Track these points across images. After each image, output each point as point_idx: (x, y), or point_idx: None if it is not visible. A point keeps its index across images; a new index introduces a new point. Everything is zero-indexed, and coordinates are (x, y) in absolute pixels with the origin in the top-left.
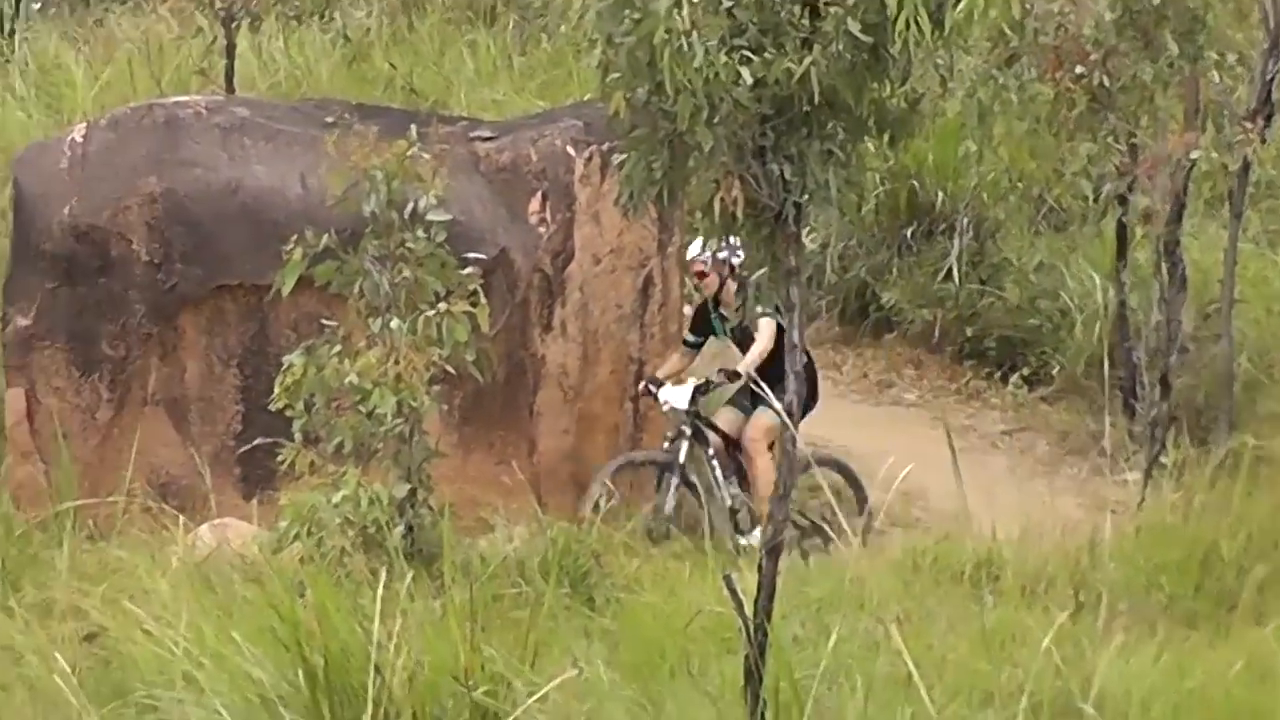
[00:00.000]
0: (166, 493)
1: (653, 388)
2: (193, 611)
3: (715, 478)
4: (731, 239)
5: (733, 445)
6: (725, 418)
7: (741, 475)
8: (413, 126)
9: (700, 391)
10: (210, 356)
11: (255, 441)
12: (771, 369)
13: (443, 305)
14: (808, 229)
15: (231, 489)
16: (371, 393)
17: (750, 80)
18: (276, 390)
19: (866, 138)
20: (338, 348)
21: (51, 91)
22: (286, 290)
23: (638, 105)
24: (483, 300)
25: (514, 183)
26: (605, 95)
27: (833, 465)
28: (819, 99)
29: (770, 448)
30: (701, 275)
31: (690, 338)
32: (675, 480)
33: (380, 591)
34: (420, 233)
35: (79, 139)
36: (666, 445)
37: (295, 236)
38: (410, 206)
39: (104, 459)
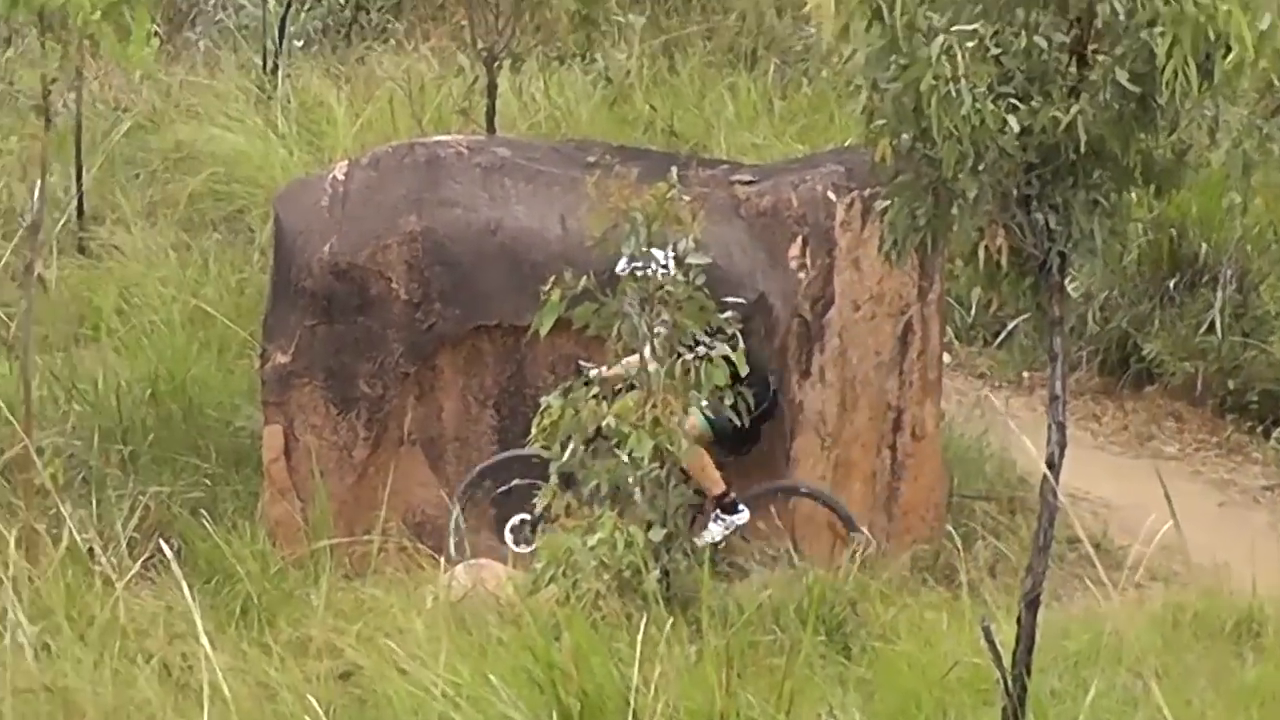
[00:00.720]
0: (422, 532)
1: None
2: (448, 652)
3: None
4: (655, 252)
5: None
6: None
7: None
8: (673, 169)
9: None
10: (467, 397)
11: (512, 483)
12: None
13: (701, 349)
14: (1070, 278)
15: (487, 530)
16: (629, 436)
17: (1017, 128)
18: (533, 431)
19: (1132, 188)
20: (595, 390)
21: (313, 129)
22: (544, 331)
23: (902, 151)
24: (741, 344)
25: (774, 227)
26: (869, 141)
27: (812, 494)
28: (1085, 148)
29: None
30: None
31: None
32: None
33: (638, 635)
34: (679, 276)
35: (340, 177)
36: None
37: (554, 277)
38: (669, 249)
39: (360, 497)
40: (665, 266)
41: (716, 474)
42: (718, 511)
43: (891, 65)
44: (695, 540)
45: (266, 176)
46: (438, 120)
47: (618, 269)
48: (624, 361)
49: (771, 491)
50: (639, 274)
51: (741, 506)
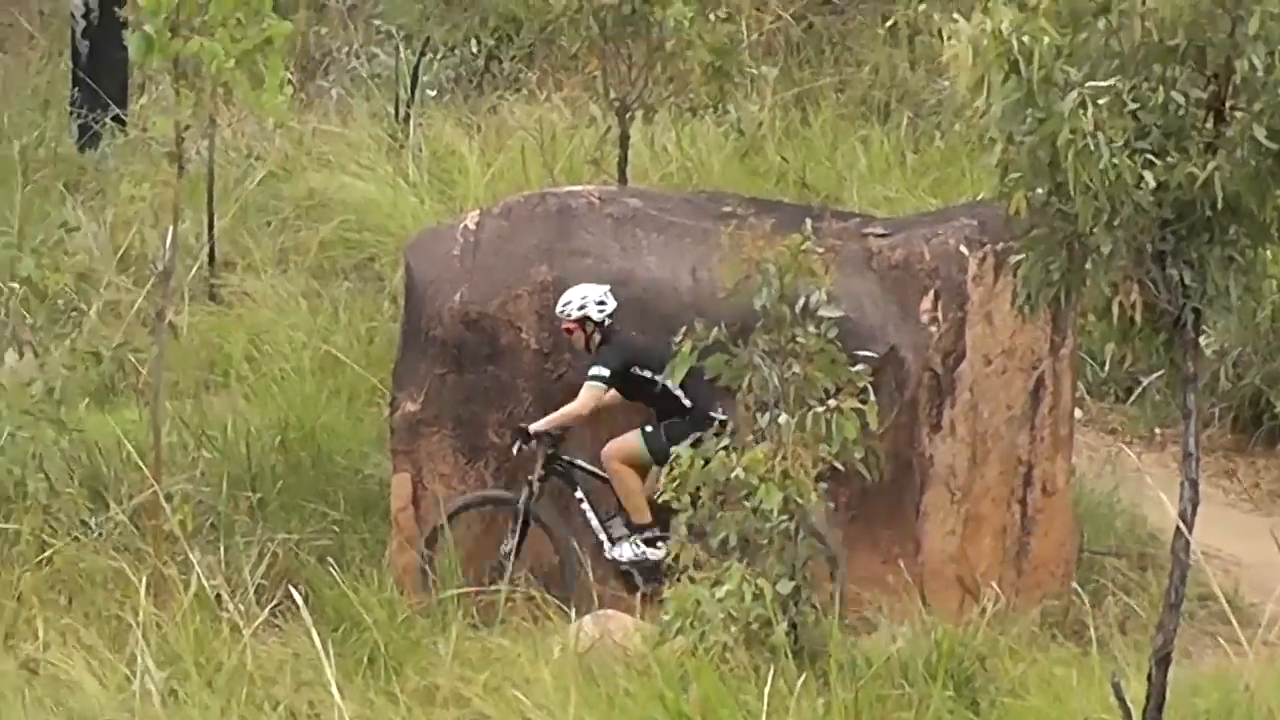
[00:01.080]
0: (549, 582)
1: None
2: (576, 703)
3: (586, 518)
4: (589, 292)
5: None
6: (619, 447)
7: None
8: (807, 221)
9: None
10: (596, 447)
11: (641, 534)
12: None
13: (832, 402)
14: (1204, 335)
15: (615, 581)
16: (758, 488)
17: (1153, 183)
18: (663, 482)
19: (1268, 244)
20: (725, 442)
21: (444, 178)
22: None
23: (1037, 205)
24: (872, 398)
25: (906, 280)
26: (1004, 194)
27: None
28: (1222, 204)
29: (639, 474)
30: (569, 331)
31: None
32: (514, 521)
33: (766, 688)
34: (811, 328)
35: (471, 226)
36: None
37: (685, 328)
38: (802, 301)
39: (487, 547)
40: (602, 303)
41: (644, 504)
42: (636, 538)
43: (1027, 119)
44: (606, 553)
45: (397, 225)
46: (569, 170)
47: (558, 310)
48: (562, 411)
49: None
50: (575, 312)
51: (661, 545)
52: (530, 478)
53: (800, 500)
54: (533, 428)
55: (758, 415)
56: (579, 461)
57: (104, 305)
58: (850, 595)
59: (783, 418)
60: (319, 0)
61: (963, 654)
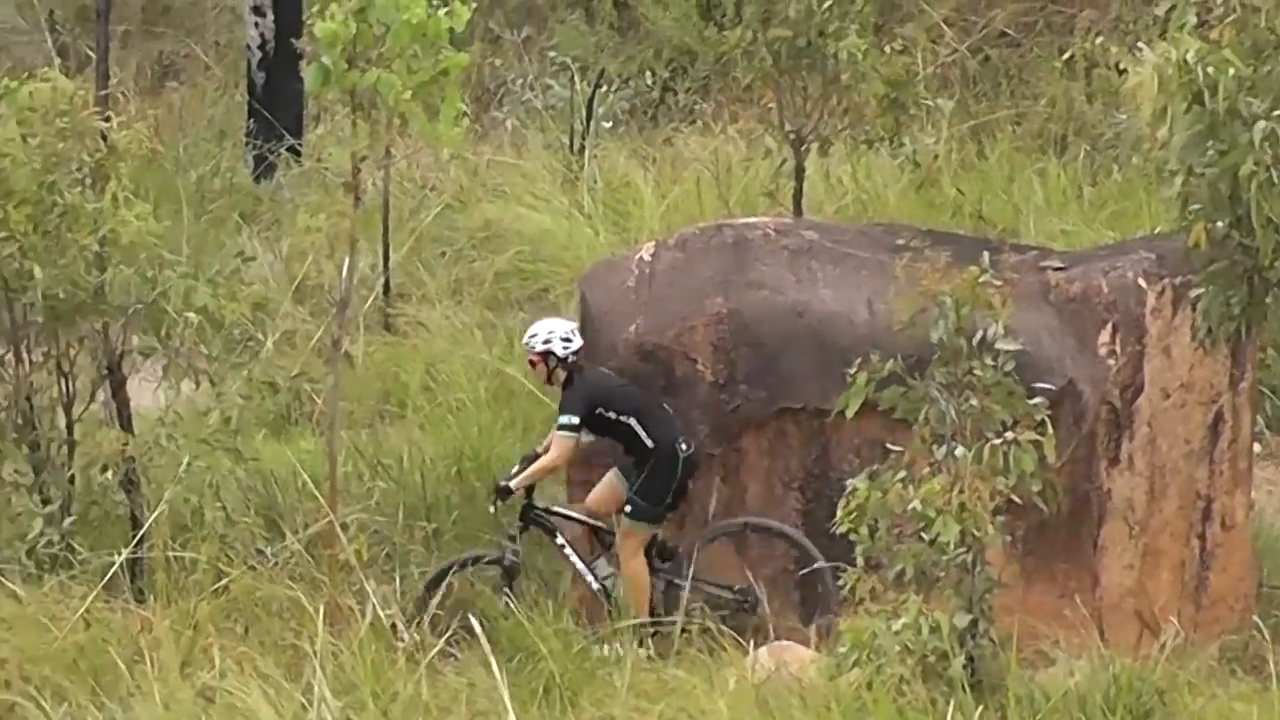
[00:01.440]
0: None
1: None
2: None
3: (574, 564)
4: (556, 327)
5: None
6: (598, 495)
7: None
8: (985, 253)
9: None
10: (771, 479)
11: (815, 565)
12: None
13: (1009, 434)
14: None
15: (790, 612)
16: (935, 520)
17: None
18: (839, 514)
19: None
20: (902, 474)
21: (619, 209)
22: (850, 413)
23: (1217, 238)
24: (1049, 431)
25: (1083, 314)
26: (1183, 227)
27: (774, 533)
28: None
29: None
30: (533, 363)
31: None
32: (504, 579)
33: None
34: (988, 361)
35: (647, 258)
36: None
37: (860, 360)
38: (979, 334)
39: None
40: (568, 340)
41: (646, 604)
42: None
43: (1209, 150)
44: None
45: (572, 256)
46: (744, 202)
47: (524, 340)
48: (537, 464)
49: (723, 533)
50: (539, 345)
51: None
52: (511, 533)
53: (977, 533)
54: (510, 484)
55: (934, 448)
56: (555, 508)
57: (280, 335)
58: (1027, 629)
59: (959, 450)
60: (494, 32)
61: (1141, 688)
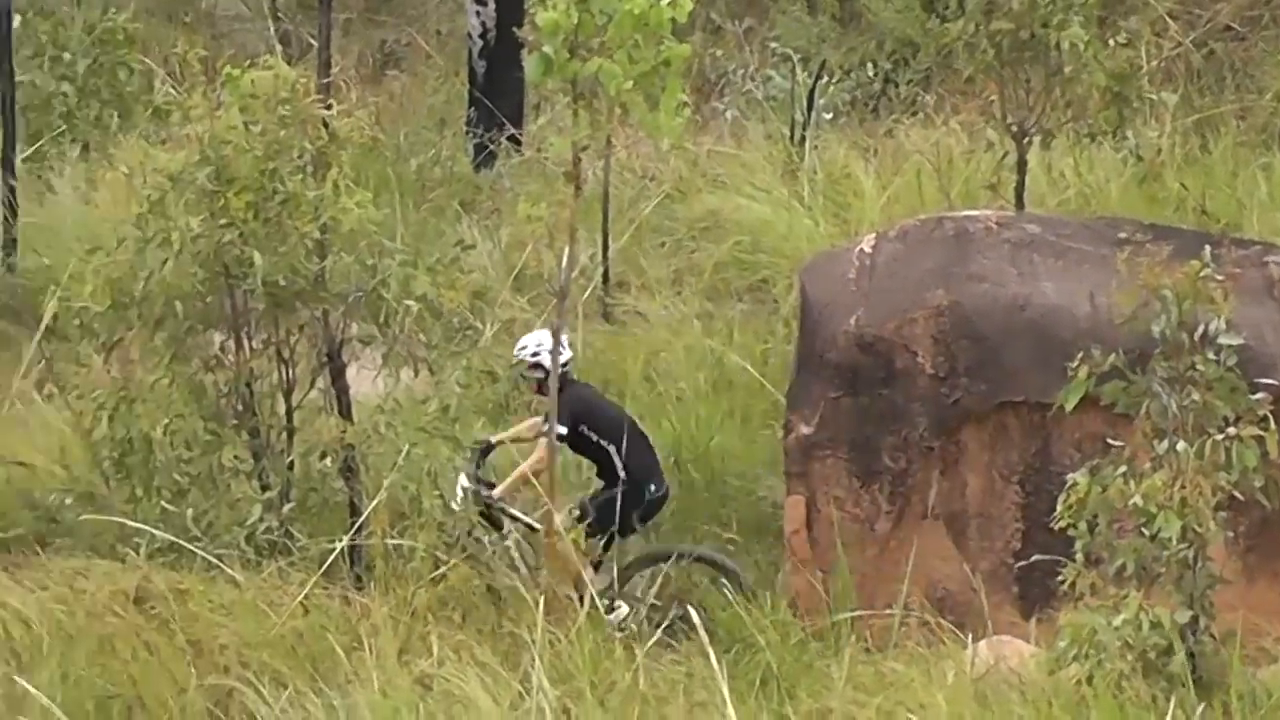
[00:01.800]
0: (943, 607)
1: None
2: None
3: (515, 565)
4: (542, 341)
5: None
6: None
7: None
8: (1206, 248)
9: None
10: (992, 472)
11: (1034, 559)
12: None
13: (1231, 430)
14: None
15: (1009, 606)
16: (1156, 516)
17: None
18: (1059, 509)
19: None
20: (1123, 468)
21: (839, 201)
22: (1070, 407)
23: None
24: (1272, 426)
25: None
26: None
27: (706, 561)
28: None
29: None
30: (522, 377)
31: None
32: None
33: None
34: (1210, 356)
35: (867, 249)
36: None
37: (1081, 354)
38: (1201, 329)
39: (881, 570)
40: (565, 353)
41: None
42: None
43: None
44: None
45: (791, 247)
46: (966, 195)
47: (514, 350)
48: (527, 423)
49: (652, 559)
50: (529, 358)
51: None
52: (500, 534)
53: (1199, 529)
54: (495, 494)
55: (1155, 442)
56: (512, 510)
57: (499, 324)
58: (1249, 625)
59: (1181, 445)
60: (715, 23)
61: None
